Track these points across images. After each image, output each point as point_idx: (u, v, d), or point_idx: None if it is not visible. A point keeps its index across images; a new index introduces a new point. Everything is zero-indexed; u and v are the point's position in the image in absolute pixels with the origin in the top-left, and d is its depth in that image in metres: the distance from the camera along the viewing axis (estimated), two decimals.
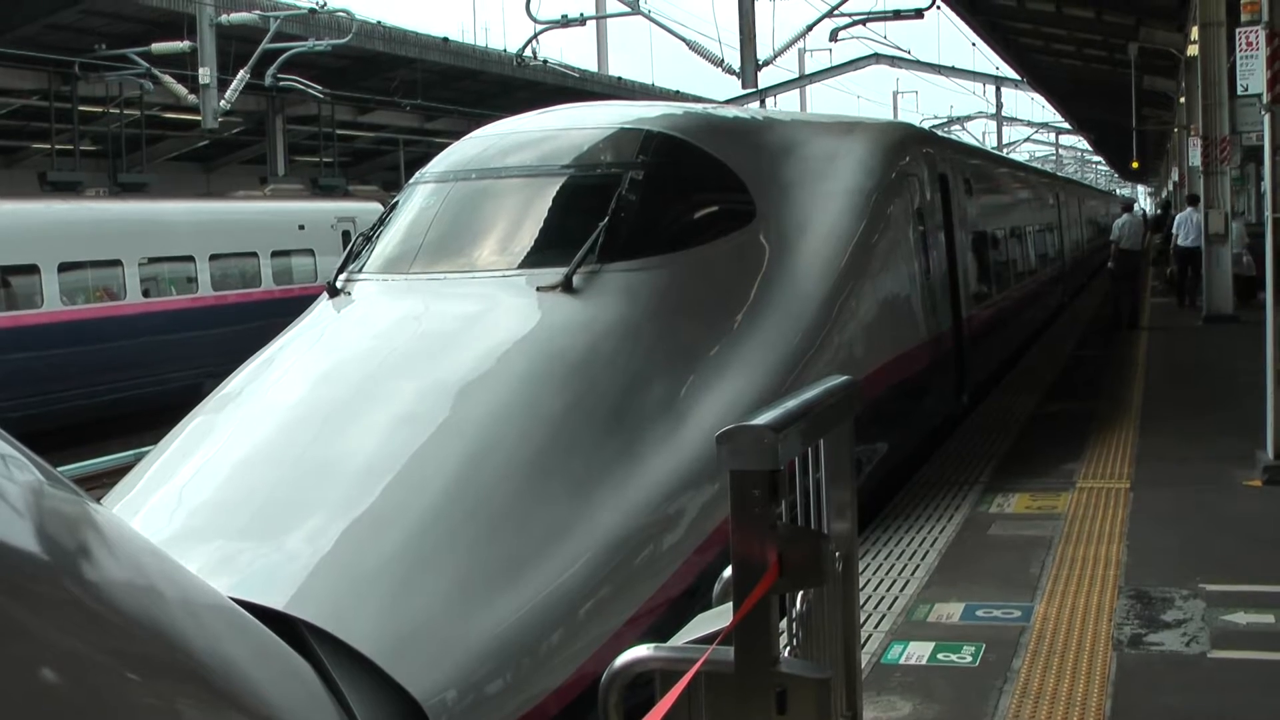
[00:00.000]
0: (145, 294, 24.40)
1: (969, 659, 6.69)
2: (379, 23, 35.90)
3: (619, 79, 51.77)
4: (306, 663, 3.45)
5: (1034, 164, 54.94)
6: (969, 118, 78.91)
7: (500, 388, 6.87)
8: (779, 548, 3.47)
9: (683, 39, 34.33)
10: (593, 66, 56.99)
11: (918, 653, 6.80)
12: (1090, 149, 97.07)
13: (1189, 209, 25.17)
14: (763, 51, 36.15)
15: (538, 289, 7.72)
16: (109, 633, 2.13)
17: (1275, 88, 10.55)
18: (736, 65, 35.28)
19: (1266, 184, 10.90)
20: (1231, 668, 6.49)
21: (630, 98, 40.02)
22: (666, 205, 8.58)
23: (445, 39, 39.35)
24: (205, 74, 29.05)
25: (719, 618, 3.69)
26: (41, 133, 33.31)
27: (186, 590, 2.59)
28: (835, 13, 35.78)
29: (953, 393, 13.14)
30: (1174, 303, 26.79)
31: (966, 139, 60.07)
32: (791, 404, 3.82)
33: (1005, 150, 73.36)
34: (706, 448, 6.69)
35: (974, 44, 45.60)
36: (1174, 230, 25.82)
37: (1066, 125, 79.41)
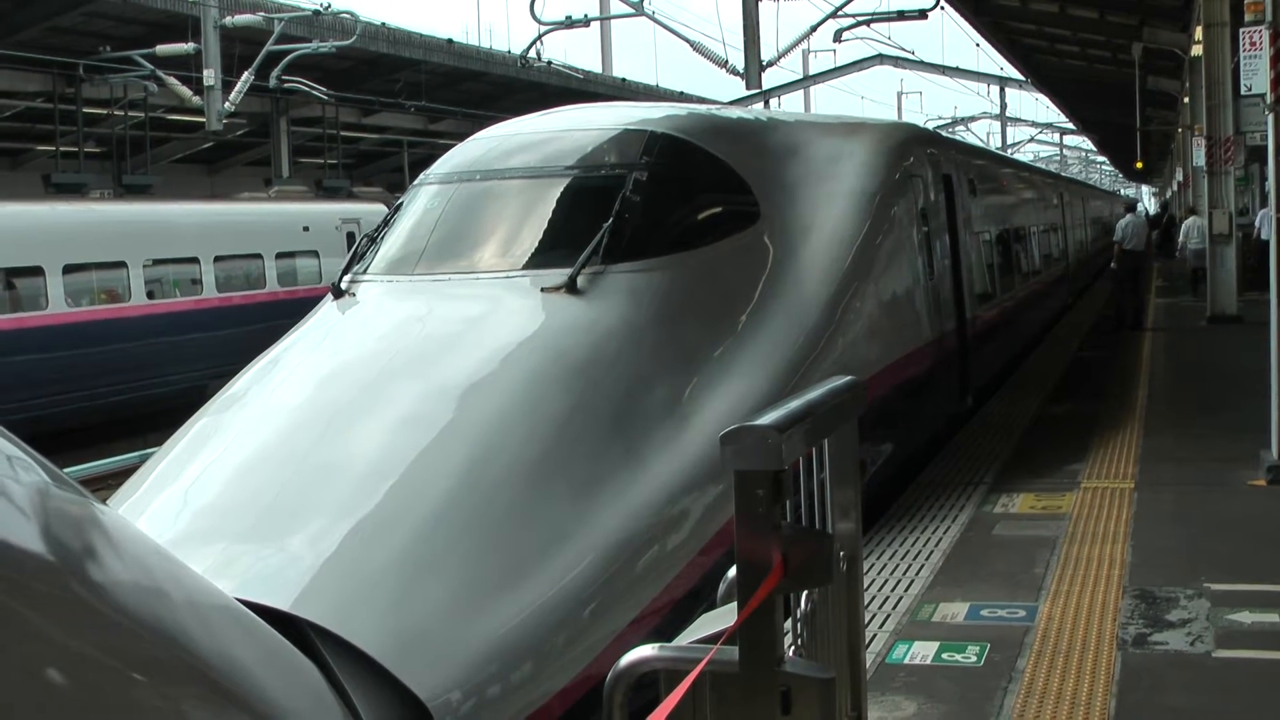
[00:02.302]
0: (150, 296, 24.43)
1: (973, 659, 6.69)
2: (383, 24, 35.91)
3: (623, 80, 51.75)
4: (312, 663, 3.46)
5: (1038, 164, 54.92)
6: (973, 118, 78.91)
7: (505, 389, 6.88)
8: (783, 548, 3.48)
9: (687, 40, 34.33)
10: (597, 68, 57.00)
11: (922, 653, 6.80)
12: (1094, 149, 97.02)
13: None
14: (767, 52, 36.12)
15: (542, 290, 7.72)
16: (115, 633, 2.14)
17: (1279, 88, 10.54)
18: (740, 66, 35.26)
19: (1270, 184, 10.90)
20: (1236, 667, 6.50)
21: (634, 99, 40.03)
22: (670, 206, 8.58)
23: (449, 40, 39.34)
24: (209, 76, 29.07)
25: (723, 618, 3.69)
26: (46, 135, 33.33)
27: (192, 591, 2.59)
28: (839, 14, 35.76)
29: (957, 393, 13.14)
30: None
31: (971, 140, 60.04)
32: (795, 404, 3.82)
33: (1009, 151, 73.33)
34: (710, 448, 6.69)
35: (978, 44, 45.59)
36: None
37: (1071, 126, 79.37)
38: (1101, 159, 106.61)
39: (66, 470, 2.63)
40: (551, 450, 6.60)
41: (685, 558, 6.63)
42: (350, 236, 29.05)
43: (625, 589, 6.22)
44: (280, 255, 27.97)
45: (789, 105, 53.62)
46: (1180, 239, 32.34)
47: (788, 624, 3.90)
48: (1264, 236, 25.28)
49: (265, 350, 8.02)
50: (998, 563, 8.46)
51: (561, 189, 8.60)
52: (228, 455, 6.55)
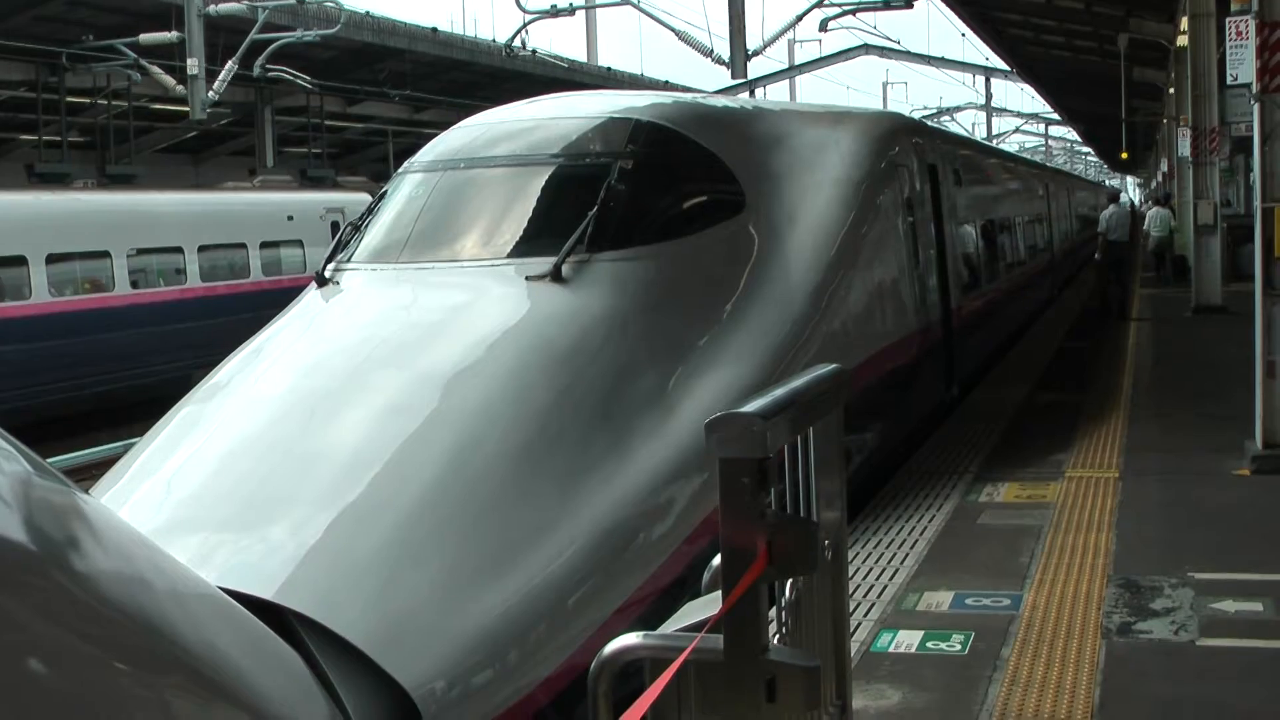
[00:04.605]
0: (134, 285, 24.39)
1: (958, 647, 6.70)
2: (367, 13, 35.87)
3: (608, 69, 51.72)
4: (295, 652, 3.46)
5: (1023, 155, 55.00)
6: (959, 108, 78.90)
7: (489, 378, 6.86)
8: (768, 536, 3.47)
9: (672, 29, 34.36)
10: (582, 57, 56.97)
11: (907, 641, 6.81)
12: (1080, 140, 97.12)
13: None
14: (752, 42, 36.16)
15: (526, 278, 7.70)
16: (97, 623, 2.13)
17: (1265, 78, 10.55)
18: (726, 55, 35.28)
19: (1256, 174, 10.91)
20: (1220, 656, 6.51)
21: (620, 88, 40.01)
22: (656, 195, 8.57)
23: (434, 29, 39.30)
24: (193, 65, 28.96)
25: (708, 606, 3.69)
26: (29, 124, 33.23)
27: (175, 580, 2.59)
28: (825, 3, 35.78)
29: (942, 383, 13.16)
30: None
31: (956, 130, 60.07)
32: (780, 393, 3.82)
33: (995, 141, 73.39)
34: (695, 437, 6.68)
35: (964, 35, 45.74)
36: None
37: (1056, 116, 79.47)
38: (1087, 150, 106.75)
39: (49, 460, 2.62)
40: (536, 439, 6.59)
41: (670, 546, 6.63)
42: (335, 226, 28.99)
43: (610, 577, 6.21)
44: (265, 245, 27.93)
45: (774, 95, 53.63)
46: (1145, 227, 32.66)
47: (772, 612, 3.89)
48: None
49: (249, 339, 7.99)
50: (982, 551, 8.47)
51: (546, 177, 8.58)
52: (211, 444, 6.53)
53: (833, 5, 35.98)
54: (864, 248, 10.24)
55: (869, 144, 11.02)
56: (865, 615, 7.22)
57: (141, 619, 2.30)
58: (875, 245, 10.61)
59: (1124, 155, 50.38)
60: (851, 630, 5.85)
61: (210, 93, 30.10)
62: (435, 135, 9.96)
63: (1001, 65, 53.68)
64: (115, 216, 24.49)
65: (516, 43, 34.86)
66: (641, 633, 3.77)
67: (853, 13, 36.58)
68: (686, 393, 7.40)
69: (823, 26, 37.16)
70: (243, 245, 27.38)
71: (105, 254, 23.77)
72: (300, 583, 5.37)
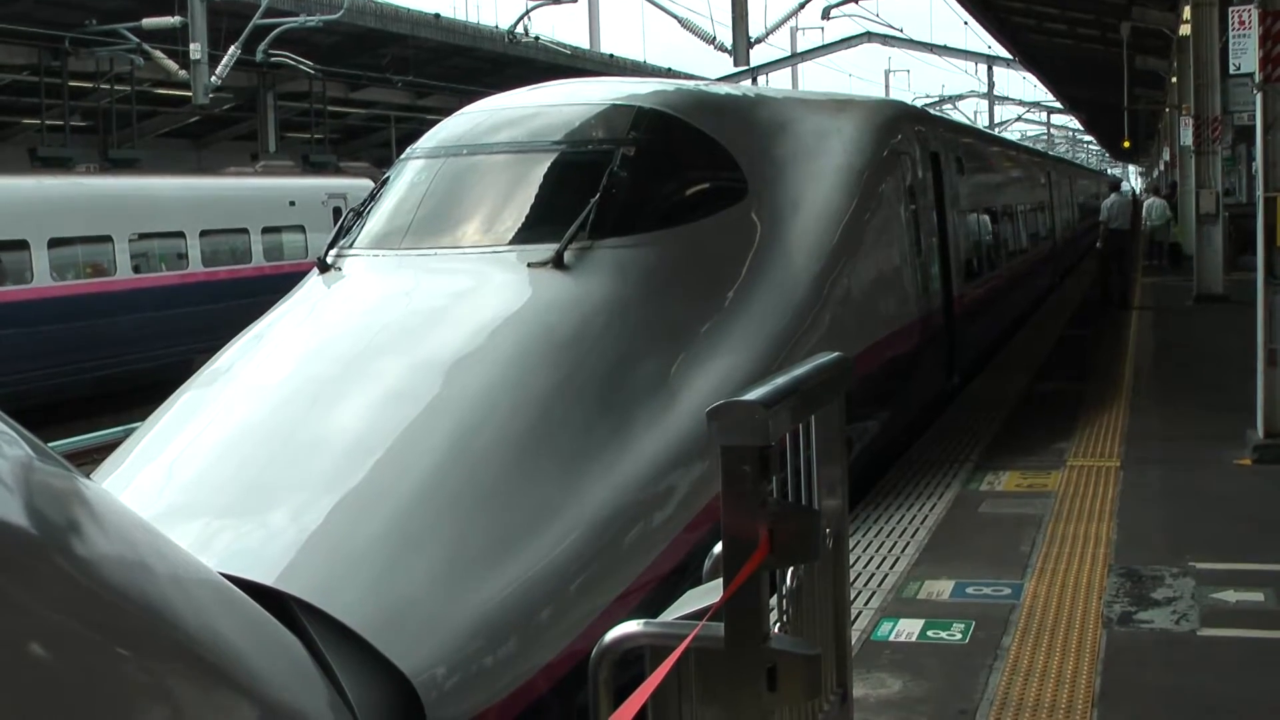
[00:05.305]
0: (136, 270, 24.38)
1: (959, 636, 6.70)
2: None
3: (611, 56, 51.67)
4: (296, 638, 3.46)
5: (1025, 143, 54.95)
6: (961, 97, 78.92)
7: (490, 364, 6.85)
8: (769, 524, 3.46)
9: (675, 16, 34.34)
10: (585, 44, 56.91)
11: (908, 630, 6.81)
12: (1082, 128, 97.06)
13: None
14: (755, 29, 36.14)
15: (529, 265, 7.69)
16: (99, 607, 2.13)
17: (1267, 67, 10.54)
18: (728, 43, 35.26)
19: (1259, 163, 10.90)
20: (1221, 645, 6.51)
21: (622, 75, 39.94)
22: (658, 182, 8.56)
23: (437, 15, 39.28)
24: (196, 49, 28.94)
25: (709, 594, 3.68)
26: (32, 108, 33.22)
27: (176, 565, 2.59)
28: None
29: (943, 372, 13.15)
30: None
31: (958, 118, 60.04)
32: (782, 380, 3.81)
33: (997, 129, 73.33)
34: (697, 424, 6.68)
35: (966, 23, 45.65)
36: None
37: (1058, 105, 79.43)
38: (1089, 138, 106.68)
39: (51, 444, 2.62)
40: (537, 426, 6.58)
41: (671, 533, 6.62)
42: (336, 211, 28.98)
43: (611, 565, 6.21)
44: (266, 230, 27.91)
45: (777, 83, 53.59)
46: (1143, 215, 32.84)
47: (773, 600, 3.89)
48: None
49: (250, 325, 7.99)
50: (983, 540, 8.47)
51: (548, 164, 8.56)
52: (212, 430, 6.52)
53: None
54: (866, 235, 10.23)
55: (871, 131, 11.01)
56: (866, 604, 7.22)
57: (143, 604, 2.30)
58: (877, 233, 10.59)
59: (1126, 144, 50.39)
60: (852, 619, 5.85)
61: (213, 78, 30.08)
62: (437, 121, 9.94)
63: (1004, 53, 53.66)
64: (117, 201, 24.47)
65: (519, 29, 34.84)
66: (642, 620, 3.76)
67: (856, 0, 36.57)
68: (688, 380, 7.40)
69: (825, 14, 37.20)
70: (245, 230, 27.36)
71: (107, 238, 23.76)
72: (301, 568, 5.37)
